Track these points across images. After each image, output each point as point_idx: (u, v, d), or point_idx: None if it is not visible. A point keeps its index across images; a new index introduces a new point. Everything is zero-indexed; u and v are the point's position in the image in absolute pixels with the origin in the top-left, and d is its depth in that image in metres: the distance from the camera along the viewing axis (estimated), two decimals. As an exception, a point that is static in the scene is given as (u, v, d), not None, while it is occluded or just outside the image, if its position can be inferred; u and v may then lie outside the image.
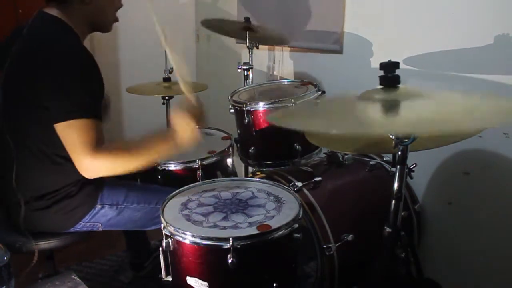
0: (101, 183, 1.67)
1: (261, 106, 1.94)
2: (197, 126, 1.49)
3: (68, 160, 1.43)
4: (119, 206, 1.66)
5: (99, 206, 1.64)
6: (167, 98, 2.44)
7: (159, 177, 1.87)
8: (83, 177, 1.53)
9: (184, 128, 1.47)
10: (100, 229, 1.68)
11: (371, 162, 1.89)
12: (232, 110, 2.04)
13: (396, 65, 1.17)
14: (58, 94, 1.40)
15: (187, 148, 1.48)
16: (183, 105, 1.51)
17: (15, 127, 1.53)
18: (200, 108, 1.52)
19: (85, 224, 1.64)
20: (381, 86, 1.18)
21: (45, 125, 1.45)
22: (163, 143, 1.48)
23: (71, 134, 1.39)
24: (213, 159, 1.91)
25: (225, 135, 2.14)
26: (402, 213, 1.26)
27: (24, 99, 1.48)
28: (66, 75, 1.41)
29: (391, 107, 1.12)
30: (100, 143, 1.40)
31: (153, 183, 1.85)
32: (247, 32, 2.33)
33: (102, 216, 1.65)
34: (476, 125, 1.03)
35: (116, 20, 1.65)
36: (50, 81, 1.41)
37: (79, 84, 1.41)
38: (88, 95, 1.42)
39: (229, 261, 1.28)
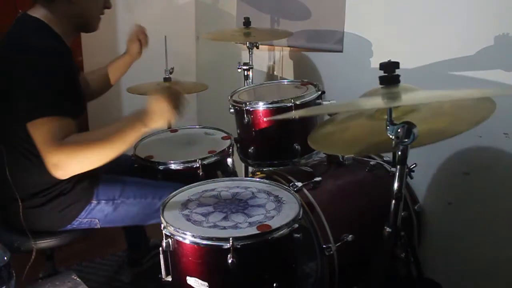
0: (96, 178, 1.67)
1: (261, 106, 1.94)
2: (173, 111, 1.43)
3: None
4: (115, 201, 1.66)
5: (95, 202, 1.64)
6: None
7: (159, 176, 1.87)
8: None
9: (158, 109, 1.42)
10: (98, 226, 1.68)
11: (371, 162, 1.89)
12: (232, 110, 2.04)
13: (396, 65, 1.17)
14: (26, 94, 1.42)
15: (157, 128, 1.49)
16: (163, 89, 1.48)
17: (1, 127, 1.55)
18: (179, 93, 1.48)
19: (82, 220, 1.64)
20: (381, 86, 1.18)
21: (24, 124, 1.46)
22: (132, 129, 1.44)
23: (36, 133, 1.39)
24: (213, 159, 1.91)
25: (225, 135, 2.14)
26: (402, 213, 1.26)
27: (3, 100, 1.50)
28: (32, 75, 1.42)
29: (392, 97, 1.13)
30: (62, 139, 1.37)
31: (153, 182, 1.86)
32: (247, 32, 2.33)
33: (98, 212, 1.65)
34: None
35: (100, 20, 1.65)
36: (19, 82, 1.43)
37: (44, 83, 1.42)
38: (54, 94, 1.42)
39: (229, 261, 1.28)
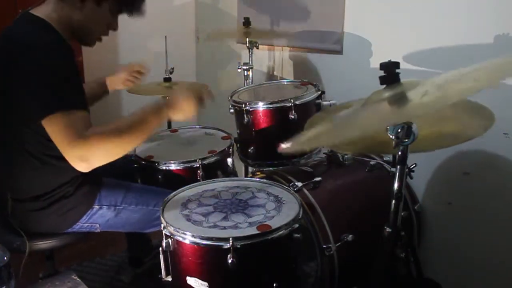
0: (98, 183, 1.67)
1: (260, 106, 1.94)
2: (195, 103, 1.55)
3: (60, 159, 1.41)
4: (117, 207, 1.66)
5: (97, 207, 1.64)
6: (167, 98, 2.43)
7: (159, 176, 1.86)
8: (79, 177, 1.53)
9: (182, 100, 1.53)
10: (98, 230, 1.67)
11: (371, 162, 1.89)
12: (232, 110, 2.04)
13: (396, 65, 1.17)
14: (36, 91, 1.39)
15: (179, 120, 1.57)
16: (190, 86, 1.61)
17: (1, 129, 1.54)
18: (203, 93, 1.59)
19: (82, 224, 1.64)
20: (383, 86, 1.18)
21: (26, 125, 1.46)
22: (155, 118, 1.49)
23: (55, 128, 1.36)
24: (213, 159, 1.91)
25: (225, 135, 2.14)
26: (402, 213, 1.26)
27: (3, 100, 1.49)
28: (37, 70, 1.39)
29: (398, 99, 1.12)
30: (85, 131, 1.37)
31: (154, 182, 1.85)
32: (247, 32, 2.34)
33: (100, 217, 1.65)
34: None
35: (100, 39, 1.64)
36: (25, 80, 1.40)
37: (56, 78, 1.39)
38: (68, 87, 1.40)
39: (229, 261, 1.28)
